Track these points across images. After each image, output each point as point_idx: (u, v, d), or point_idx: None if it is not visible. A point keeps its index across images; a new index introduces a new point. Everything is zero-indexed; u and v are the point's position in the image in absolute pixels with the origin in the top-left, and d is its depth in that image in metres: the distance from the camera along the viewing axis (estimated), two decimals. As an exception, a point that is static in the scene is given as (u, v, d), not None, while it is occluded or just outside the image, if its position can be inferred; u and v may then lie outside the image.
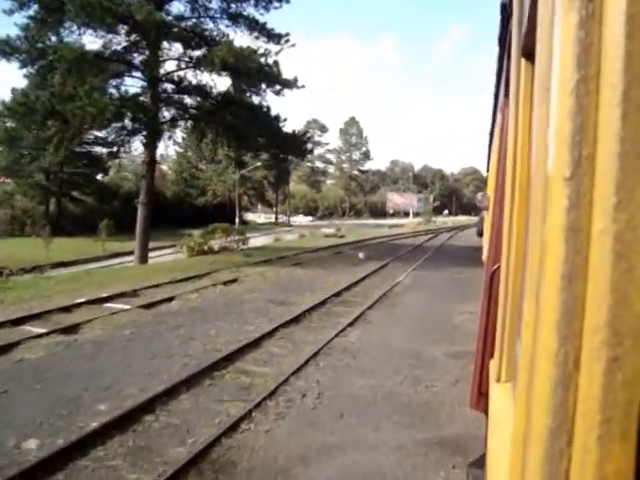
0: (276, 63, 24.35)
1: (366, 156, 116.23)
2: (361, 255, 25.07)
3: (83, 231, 53.99)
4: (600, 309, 0.58)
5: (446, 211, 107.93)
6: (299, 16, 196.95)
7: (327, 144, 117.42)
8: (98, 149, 69.28)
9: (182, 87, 27.00)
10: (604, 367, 0.57)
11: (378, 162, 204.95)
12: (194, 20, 25.84)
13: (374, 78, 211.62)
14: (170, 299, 14.23)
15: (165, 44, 26.34)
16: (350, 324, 12.01)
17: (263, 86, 26.71)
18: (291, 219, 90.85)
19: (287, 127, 30.35)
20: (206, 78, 26.54)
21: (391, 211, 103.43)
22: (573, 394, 0.60)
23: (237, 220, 63.80)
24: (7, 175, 62.40)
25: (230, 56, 20.70)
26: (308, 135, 28.99)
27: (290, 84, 27.46)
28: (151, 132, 24.16)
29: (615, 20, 0.57)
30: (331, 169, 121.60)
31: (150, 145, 25.79)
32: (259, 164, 73.01)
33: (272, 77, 24.83)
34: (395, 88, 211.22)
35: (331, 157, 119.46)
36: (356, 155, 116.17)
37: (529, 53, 1.37)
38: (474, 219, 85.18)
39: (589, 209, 0.59)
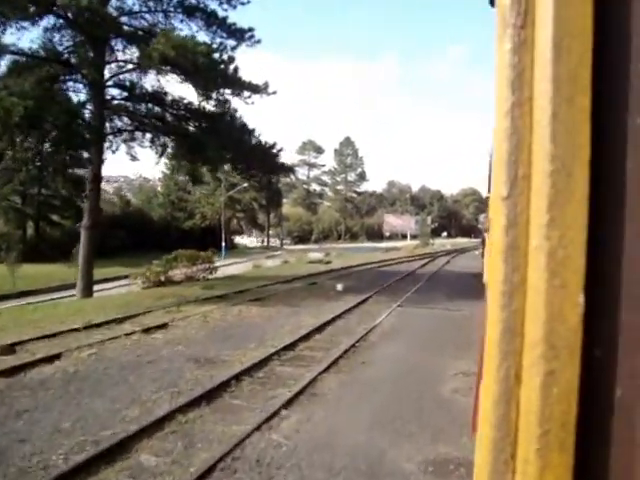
0: (231, 59, 20.71)
1: (362, 177, 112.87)
2: (339, 287, 21.24)
3: (63, 257, 51.33)
4: (537, 324, 0.60)
5: (445, 233, 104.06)
6: (299, 38, 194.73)
7: (323, 166, 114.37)
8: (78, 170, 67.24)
9: (135, 94, 23.41)
10: (541, 381, 0.60)
11: (375, 183, 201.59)
12: (145, 15, 22.30)
13: (371, 99, 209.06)
14: (53, 358, 10.36)
15: (120, 46, 22.90)
16: (288, 402, 8.17)
17: (227, 91, 23.08)
18: (283, 243, 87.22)
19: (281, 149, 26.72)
20: (162, 82, 22.71)
21: (387, 234, 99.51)
22: (515, 408, 0.62)
23: (223, 245, 60.07)
24: (-20, 197, 59.56)
25: (169, 48, 17.08)
26: (279, 148, 25.14)
27: (258, 89, 23.90)
28: (86, 144, 20.50)
29: (543, 46, 0.60)
30: (328, 191, 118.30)
31: (95, 159, 22.11)
32: (245, 185, 69.58)
33: (231, 78, 21.18)
34: (392, 109, 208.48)
35: (327, 179, 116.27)
36: (351, 176, 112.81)
37: None
38: (474, 241, 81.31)
39: (526, 227, 0.61)
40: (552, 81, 0.59)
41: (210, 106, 24.00)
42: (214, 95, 23.31)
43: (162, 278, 24.45)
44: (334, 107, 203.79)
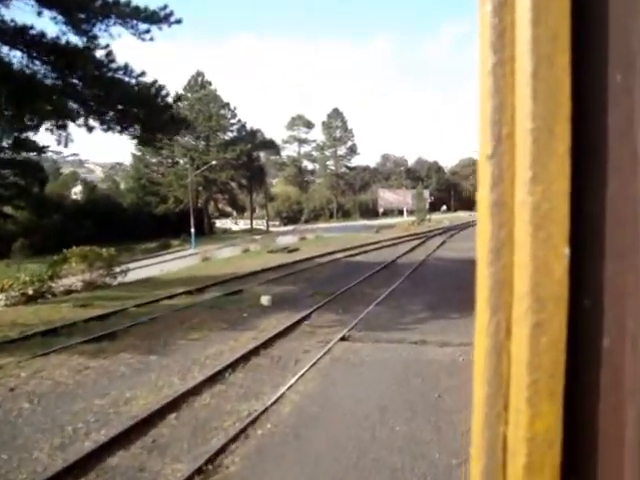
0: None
1: (352, 151, 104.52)
2: (265, 300, 13.92)
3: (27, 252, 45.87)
4: (524, 278, 0.62)
5: (444, 207, 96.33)
6: (300, 20, 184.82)
7: (314, 141, 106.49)
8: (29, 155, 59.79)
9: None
10: (529, 332, 0.61)
11: (367, 158, 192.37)
12: None
13: (363, 73, 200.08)
14: None
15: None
16: None
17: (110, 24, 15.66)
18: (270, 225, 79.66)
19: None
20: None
21: (381, 210, 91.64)
22: (506, 361, 0.64)
23: (192, 231, 52.74)
24: None
25: None
26: (165, 91, 17.29)
27: (155, 17, 16.62)
28: None
29: (523, 7, 0.62)
30: (319, 168, 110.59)
31: None
32: (214, 162, 62.14)
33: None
34: (385, 84, 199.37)
35: (317, 154, 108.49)
36: (341, 150, 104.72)
37: None
38: (475, 214, 73.39)
39: (511, 184, 0.63)
40: (532, 41, 0.61)
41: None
42: (85, 26, 15.82)
43: (30, 291, 17.12)
44: (328, 85, 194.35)
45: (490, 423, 0.64)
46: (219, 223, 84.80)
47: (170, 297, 15.20)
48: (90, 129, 17.59)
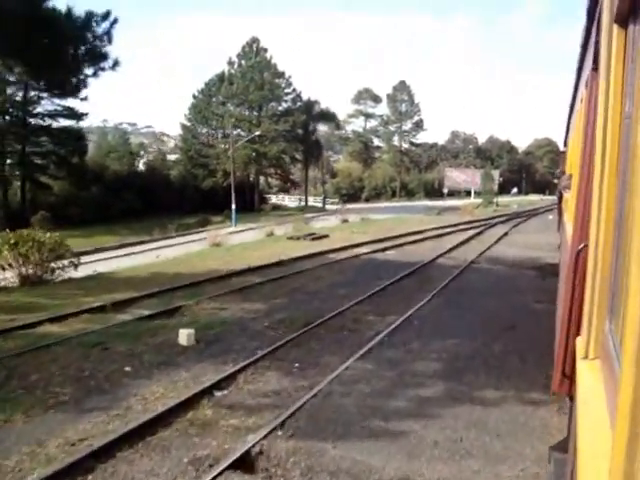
0: None
1: (418, 126, 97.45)
2: (184, 337, 8.65)
3: (55, 224, 41.73)
4: None
5: (515, 189, 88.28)
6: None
7: (381, 116, 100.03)
8: (66, 123, 55.98)
9: None
10: None
11: (435, 134, 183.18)
12: None
13: (439, 48, 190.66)
14: None
15: None
16: None
17: None
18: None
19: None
20: None
21: (446, 190, 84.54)
22: None
23: (233, 207, 48.21)
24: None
25: None
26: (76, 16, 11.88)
27: None
28: None
29: None
30: (381, 143, 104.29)
31: None
32: (257, 133, 57.18)
33: None
34: (457, 57, 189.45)
35: (381, 129, 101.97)
36: (407, 125, 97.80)
37: (623, 19, 1.27)
38: (547, 199, 66.18)
39: None
40: None
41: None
42: None
43: None
44: (401, 60, 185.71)
45: None
46: (275, 199, 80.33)
47: (61, 318, 10.08)
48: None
